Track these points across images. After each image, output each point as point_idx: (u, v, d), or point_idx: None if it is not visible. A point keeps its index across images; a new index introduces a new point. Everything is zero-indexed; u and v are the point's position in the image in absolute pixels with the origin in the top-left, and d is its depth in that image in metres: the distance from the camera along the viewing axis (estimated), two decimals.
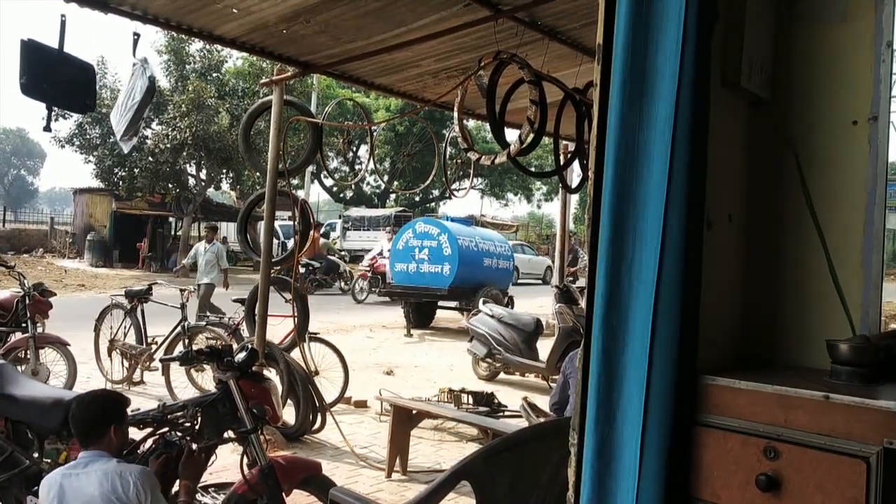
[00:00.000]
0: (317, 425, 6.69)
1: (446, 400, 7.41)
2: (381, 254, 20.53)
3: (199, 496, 3.66)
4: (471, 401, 7.40)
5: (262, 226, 7.05)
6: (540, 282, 31.23)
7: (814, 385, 1.76)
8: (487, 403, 7.36)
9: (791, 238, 2.22)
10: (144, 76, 5.59)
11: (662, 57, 1.83)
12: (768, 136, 2.27)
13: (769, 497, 1.72)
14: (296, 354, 7.01)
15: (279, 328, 7.58)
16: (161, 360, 7.21)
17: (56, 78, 4.79)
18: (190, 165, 27.02)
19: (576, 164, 5.83)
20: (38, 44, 4.76)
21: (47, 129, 5.43)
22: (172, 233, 31.13)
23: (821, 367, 2.01)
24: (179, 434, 3.68)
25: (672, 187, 1.80)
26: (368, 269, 20.65)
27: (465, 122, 5.43)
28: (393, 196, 45.99)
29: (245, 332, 7.63)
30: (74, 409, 3.25)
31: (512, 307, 14.27)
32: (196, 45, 26.09)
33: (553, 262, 17.52)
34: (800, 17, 2.25)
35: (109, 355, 8.47)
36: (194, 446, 3.61)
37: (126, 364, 8.36)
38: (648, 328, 1.80)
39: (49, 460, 3.79)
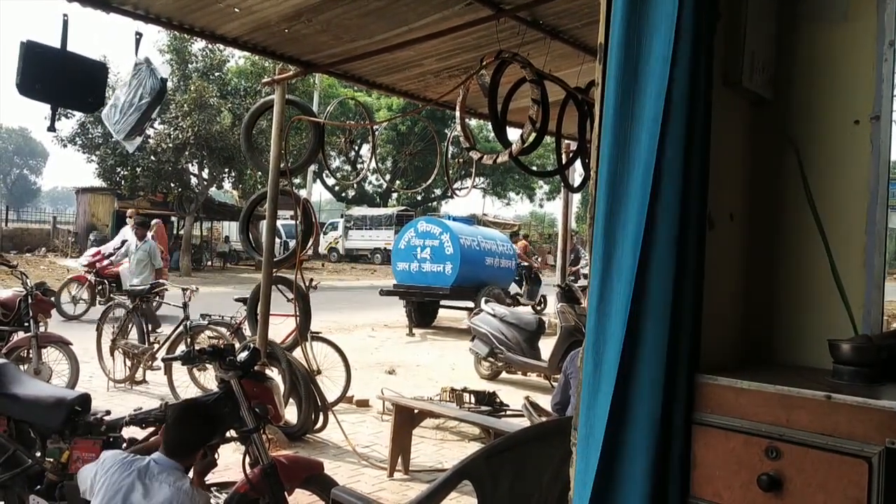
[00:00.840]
0: (319, 424, 6.69)
1: (448, 399, 7.41)
2: (118, 249, 13.35)
3: None
4: (473, 400, 7.40)
5: (264, 225, 7.05)
6: None
7: (816, 385, 1.76)
8: (489, 403, 7.36)
9: (793, 237, 2.22)
10: (155, 77, 5.56)
11: (654, 57, 1.84)
12: (770, 136, 2.27)
13: (771, 497, 1.72)
14: (298, 354, 7.01)
15: (281, 327, 7.59)
16: (163, 360, 7.19)
17: (58, 78, 4.79)
18: (192, 165, 27.04)
19: (578, 164, 5.84)
20: (39, 45, 4.76)
21: (52, 129, 5.44)
22: (175, 232, 31.16)
23: (822, 366, 2.01)
24: None
25: (664, 186, 1.80)
26: (88, 269, 14.31)
27: (467, 121, 5.43)
28: (395, 195, 46.03)
29: (247, 332, 7.63)
30: (179, 416, 3.28)
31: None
32: (198, 45, 26.11)
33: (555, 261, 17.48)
34: (802, 17, 2.25)
35: (112, 354, 8.47)
36: None
37: (128, 363, 8.37)
38: (625, 325, 1.81)
39: (51, 459, 3.79)
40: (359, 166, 42.26)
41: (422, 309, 15.63)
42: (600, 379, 1.86)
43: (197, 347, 4.12)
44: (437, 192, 43.75)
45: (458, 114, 5.25)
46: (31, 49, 4.67)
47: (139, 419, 3.89)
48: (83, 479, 3.24)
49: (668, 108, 1.80)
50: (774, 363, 2.20)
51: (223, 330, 7.87)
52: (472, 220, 22.90)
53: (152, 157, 25.11)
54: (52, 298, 7.96)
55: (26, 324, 7.37)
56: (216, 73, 26.85)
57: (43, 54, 4.74)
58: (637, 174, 1.83)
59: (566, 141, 7.37)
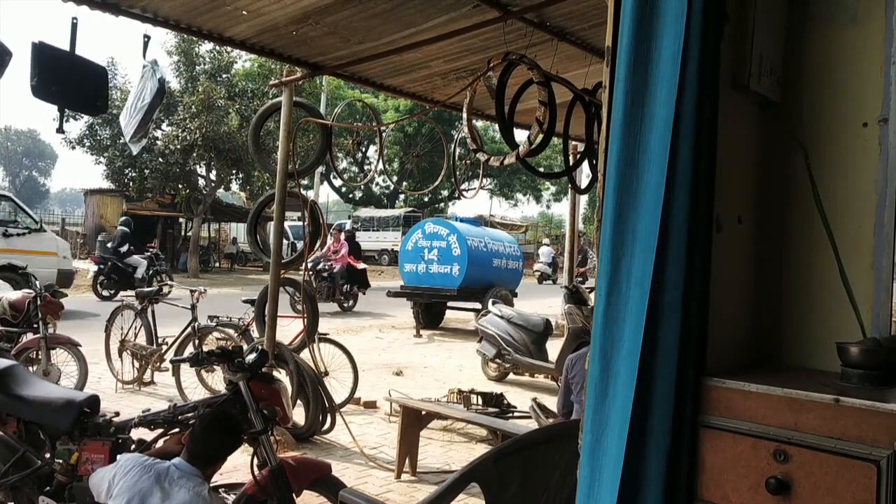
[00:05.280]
0: (326, 426, 6.70)
1: (455, 401, 7.40)
2: None
3: None
4: (480, 402, 7.40)
5: (271, 227, 7.06)
6: None
7: (824, 388, 1.76)
8: (497, 404, 7.36)
9: (801, 240, 2.21)
10: (155, 78, 5.60)
11: (664, 59, 1.84)
12: (778, 139, 2.27)
13: (779, 500, 1.71)
14: (305, 355, 7.03)
15: (289, 329, 7.60)
16: (172, 362, 7.22)
17: (67, 80, 4.81)
18: (200, 166, 27.11)
19: (585, 165, 5.83)
20: (50, 46, 4.78)
21: (60, 130, 5.46)
22: (182, 233, 31.25)
23: (831, 369, 2.01)
24: None
25: (674, 189, 1.80)
26: None
27: (474, 122, 5.44)
28: (402, 196, 46.07)
29: (255, 333, 7.65)
30: (209, 425, 3.32)
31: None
32: (206, 47, 26.15)
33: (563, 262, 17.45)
34: (810, 20, 2.25)
35: (120, 356, 8.50)
36: None
37: (136, 365, 8.40)
38: (641, 329, 1.80)
39: (61, 461, 3.81)
40: (366, 168, 42.30)
41: (429, 310, 15.64)
42: (608, 384, 1.86)
43: (205, 349, 4.13)
44: (445, 193, 43.77)
45: (465, 115, 5.25)
46: (42, 51, 4.69)
47: (148, 420, 3.91)
48: (98, 481, 3.25)
49: (677, 111, 1.80)
50: (782, 366, 2.20)
51: (231, 331, 7.88)
52: (479, 221, 22.91)
53: (160, 159, 25.19)
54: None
55: (35, 325, 7.40)
56: (224, 75, 26.90)
57: (53, 56, 4.77)
58: (648, 179, 1.83)
59: (573, 142, 7.37)
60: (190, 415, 3.90)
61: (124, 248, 18.88)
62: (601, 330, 1.88)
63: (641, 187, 1.85)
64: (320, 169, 31.17)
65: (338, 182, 43.48)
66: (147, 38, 5.60)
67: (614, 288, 1.87)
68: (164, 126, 25.75)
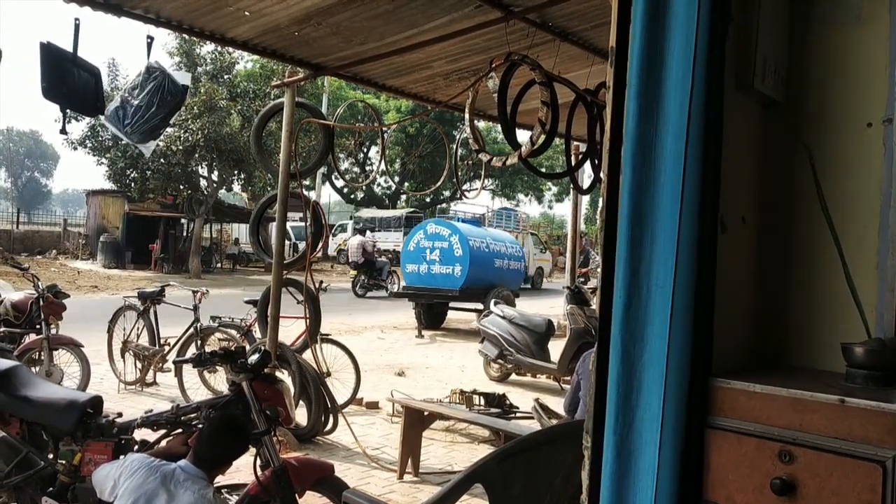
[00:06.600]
0: (329, 426, 6.70)
1: (458, 401, 7.41)
2: None
3: None
4: (482, 402, 7.40)
5: (273, 227, 7.06)
6: None
7: (829, 388, 1.75)
8: (499, 405, 7.36)
9: (805, 240, 2.21)
10: (174, 83, 5.54)
11: (675, 60, 1.83)
12: (782, 139, 2.26)
13: (784, 501, 1.71)
14: (308, 356, 7.03)
15: (291, 329, 7.61)
16: (174, 362, 7.22)
17: (71, 81, 4.82)
18: (202, 167, 27.08)
19: (587, 165, 5.82)
20: (56, 47, 4.78)
21: (63, 131, 5.47)
22: (184, 234, 31.25)
23: (836, 370, 2.00)
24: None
25: (685, 190, 1.80)
26: None
27: (476, 122, 5.43)
28: (404, 197, 46.06)
29: (257, 334, 7.65)
30: (217, 428, 3.33)
31: None
32: (207, 48, 26.17)
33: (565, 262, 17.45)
34: (815, 19, 2.24)
35: (122, 356, 8.51)
36: None
37: (139, 365, 8.40)
38: (667, 330, 1.80)
39: (64, 461, 3.81)
40: (368, 168, 42.30)
41: (431, 311, 15.64)
42: (632, 385, 1.85)
43: (208, 350, 4.14)
44: (447, 193, 43.76)
45: (467, 116, 5.25)
46: (49, 52, 4.69)
47: (151, 421, 3.91)
48: (102, 478, 3.25)
49: (688, 112, 1.80)
50: (787, 366, 2.19)
51: (233, 332, 7.88)
52: (479, 221, 22.91)
53: (162, 160, 25.18)
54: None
55: (38, 326, 7.41)
56: (225, 76, 26.91)
57: (59, 57, 4.77)
58: (665, 180, 1.83)
59: (575, 143, 7.36)
60: (193, 415, 3.90)
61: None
62: (620, 331, 1.87)
63: (658, 188, 1.84)
64: (322, 169, 31.17)
65: (340, 183, 43.51)
66: (150, 39, 5.60)
67: (635, 290, 1.86)
68: None
